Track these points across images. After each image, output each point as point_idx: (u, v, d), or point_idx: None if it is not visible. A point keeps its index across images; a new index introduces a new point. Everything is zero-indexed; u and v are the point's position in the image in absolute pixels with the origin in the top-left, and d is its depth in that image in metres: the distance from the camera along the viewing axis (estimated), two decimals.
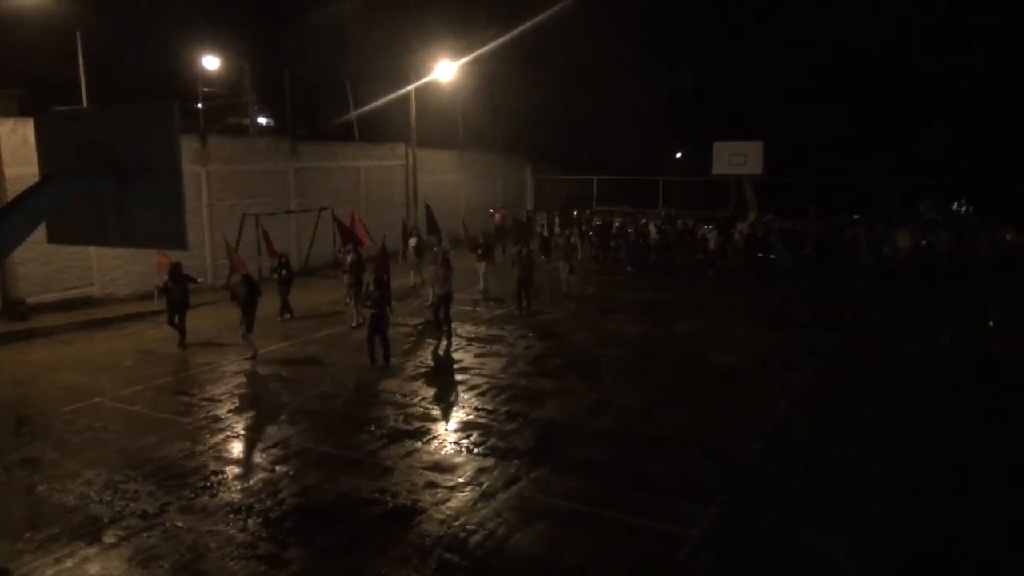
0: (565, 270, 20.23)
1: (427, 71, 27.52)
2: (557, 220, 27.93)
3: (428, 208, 21.54)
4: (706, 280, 22.48)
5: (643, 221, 28.02)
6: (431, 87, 28.16)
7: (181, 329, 14.54)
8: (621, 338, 15.26)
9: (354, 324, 15.64)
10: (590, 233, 27.07)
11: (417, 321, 16.47)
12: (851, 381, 12.55)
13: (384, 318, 13.03)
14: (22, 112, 26.67)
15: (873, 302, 19.27)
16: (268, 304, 15.75)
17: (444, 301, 14.92)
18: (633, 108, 36.30)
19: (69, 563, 6.90)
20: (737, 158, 28.20)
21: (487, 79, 32.32)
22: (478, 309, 17.88)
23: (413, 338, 15.20)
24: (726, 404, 11.22)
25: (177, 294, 14.43)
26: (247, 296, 13.28)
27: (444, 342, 14.74)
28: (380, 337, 13.02)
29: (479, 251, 19.26)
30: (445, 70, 27.56)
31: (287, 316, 16.65)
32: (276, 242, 20.04)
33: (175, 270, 14.47)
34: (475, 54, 29.80)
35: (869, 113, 34.40)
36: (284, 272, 16.60)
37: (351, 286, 15.88)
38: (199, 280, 15.50)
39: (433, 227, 20.30)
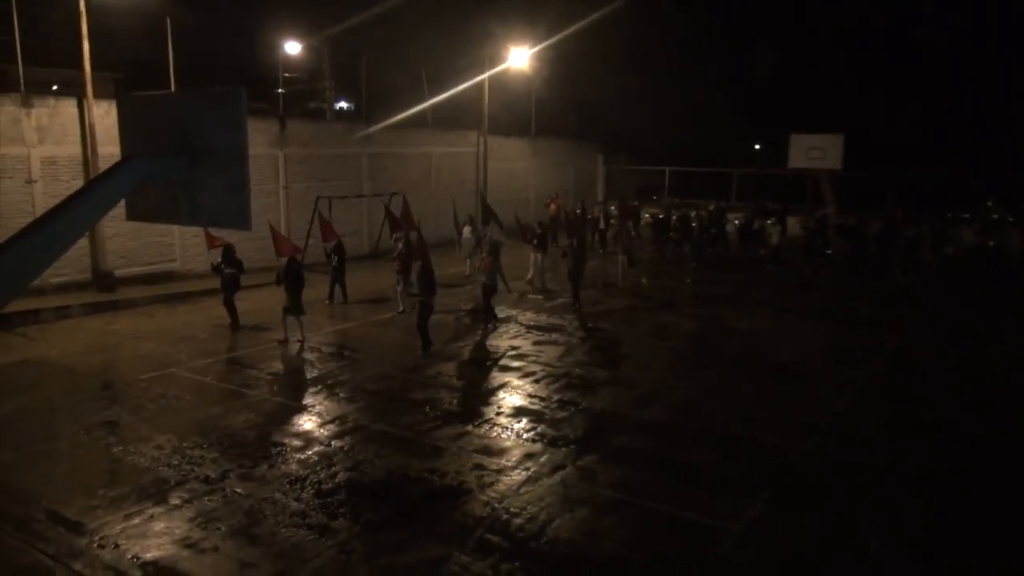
0: (624, 262, 20.04)
1: (501, 58, 27.70)
2: (614, 211, 26.90)
3: (483, 198, 21.20)
4: (767, 275, 21.95)
5: (693, 214, 27.24)
6: (505, 74, 28.32)
7: (231, 310, 14.68)
8: (679, 331, 15.15)
9: (400, 310, 15.82)
10: (643, 223, 26.34)
11: (468, 308, 16.65)
12: (913, 382, 12.17)
13: (427, 306, 13.08)
14: (117, 95, 28.18)
15: (938, 302, 18.47)
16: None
17: (488, 291, 14.94)
18: (709, 97, 35.69)
19: (136, 520, 7.36)
20: (815, 152, 27.38)
21: (561, 66, 32.31)
22: (528, 298, 17.87)
23: (469, 324, 15.42)
24: (780, 401, 11.04)
25: (228, 276, 14.55)
26: (285, 278, 13.34)
27: (490, 329, 14.84)
28: (420, 325, 13.12)
29: (534, 241, 19.14)
30: (519, 57, 27.66)
31: (341, 300, 16.75)
32: (347, 225, 20.64)
33: (228, 252, 14.57)
34: (549, 41, 29.82)
35: (953, 107, 32.85)
36: (336, 257, 16.66)
37: (399, 273, 15.84)
38: (243, 267, 15.16)
39: (488, 217, 20.04)
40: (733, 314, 16.62)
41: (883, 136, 31.54)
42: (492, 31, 28.88)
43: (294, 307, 13.43)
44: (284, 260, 13.73)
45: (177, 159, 6.94)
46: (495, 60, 27.67)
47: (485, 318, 15.02)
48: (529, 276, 18.98)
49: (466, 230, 20.59)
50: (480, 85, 27.28)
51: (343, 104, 36.92)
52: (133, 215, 7.83)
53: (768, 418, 10.29)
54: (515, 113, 31.21)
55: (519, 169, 31.02)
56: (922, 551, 7.09)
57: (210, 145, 6.82)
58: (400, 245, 16.24)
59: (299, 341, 13.60)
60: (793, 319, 16.32)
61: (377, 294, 17.90)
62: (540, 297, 17.99)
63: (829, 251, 22.93)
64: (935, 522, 7.59)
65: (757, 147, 41.70)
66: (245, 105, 6.68)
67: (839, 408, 10.79)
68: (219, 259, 14.67)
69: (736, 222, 26.64)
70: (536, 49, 28.60)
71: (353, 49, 27.19)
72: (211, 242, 14.69)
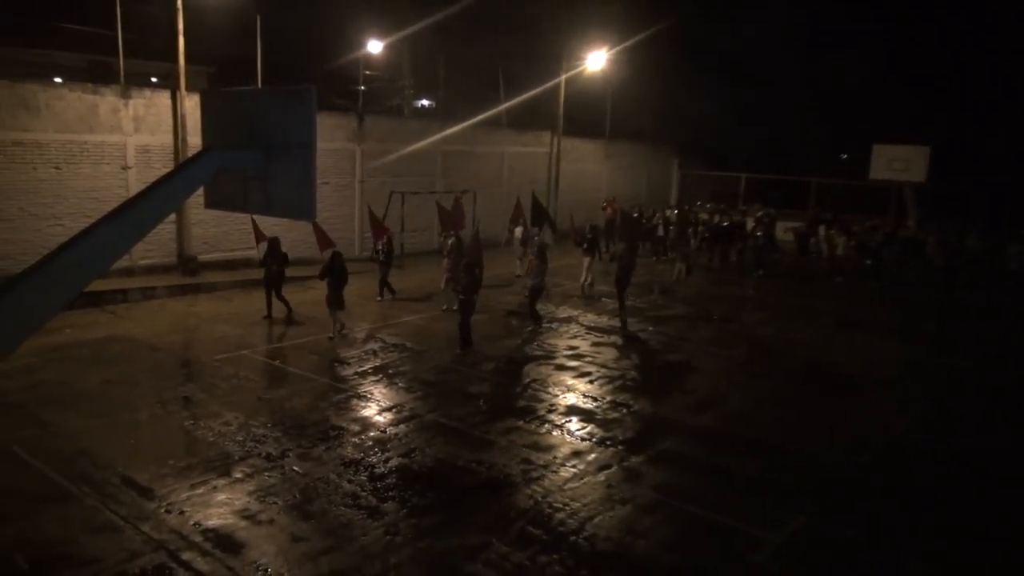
0: (681, 270, 19.78)
1: (578, 59, 27.77)
2: (674, 217, 26.09)
3: (535, 197, 20.26)
4: (833, 286, 21.36)
5: (751, 219, 26.37)
6: (581, 74, 28.37)
7: (268, 303, 14.71)
8: (740, 339, 14.98)
9: (444, 308, 15.91)
10: (706, 234, 25.03)
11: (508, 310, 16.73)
12: (981, 406, 11.73)
13: (470, 304, 13.18)
14: (201, 90, 29.51)
15: (1018, 322, 17.65)
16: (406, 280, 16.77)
17: (534, 293, 14.93)
18: (793, 104, 34.87)
19: (201, 490, 7.85)
20: (898, 163, 26.46)
21: (639, 68, 32.12)
22: (575, 299, 17.79)
23: (521, 323, 15.60)
24: (838, 415, 10.85)
25: (273, 269, 14.57)
26: (328, 273, 13.44)
27: (536, 331, 14.78)
28: (461, 323, 13.24)
29: (584, 245, 18.77)
30: (596, 59, 27.67)
31: (389, 296, 16.87)
32: (419, 221, 21.09)
33: (273, 245, 14.59)
34: (627, 43, 29.72)
35: None
36: (383, 253, 16.67)
37: (449, 271, 15.84)
38: (288, 261, 15.10)
39: (539, 218, 19.39)
40: (795, 325, 16.33)
41: (974, 149, 30.22)
42: (570, 32, 29.02)
43: (335, 301, 13.58)
44: (327, 255, 13.91)
45: (252, 152, 7.38)
46: (572, 61, 27.77)
47: (532, 319, 15.05)
48: (582, 280, 18.76)
49: (517, 230, 20.33)
50: (555, 85, 27.42)
51: (424, 102, 37.64)
52: (211, 204, 8.35)
53: (824, 432, 10.15)
54: (590, 114, 31.22)
55: (591, 171, 31.04)
56: None
57: (282, 140, 7.23)
58: (450, 243, 16.29)
59: (332, 337, 13.63)
60: (860, 333, 15.91)
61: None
62: (581, 303, 17.97)
63: (868, 261, 22.20)
64: (982, 553, 7.38)
65: (844, 156, 40.43)
66: (315, 103, 7.06)
67: (898, 427, 10.54)
68: (264, 253, 14.71)
69: (790, 230, 25.94)
70: (614, 51, 28.55)
71: (432, 48, 27.73)
72: (259, 236, 14.96)
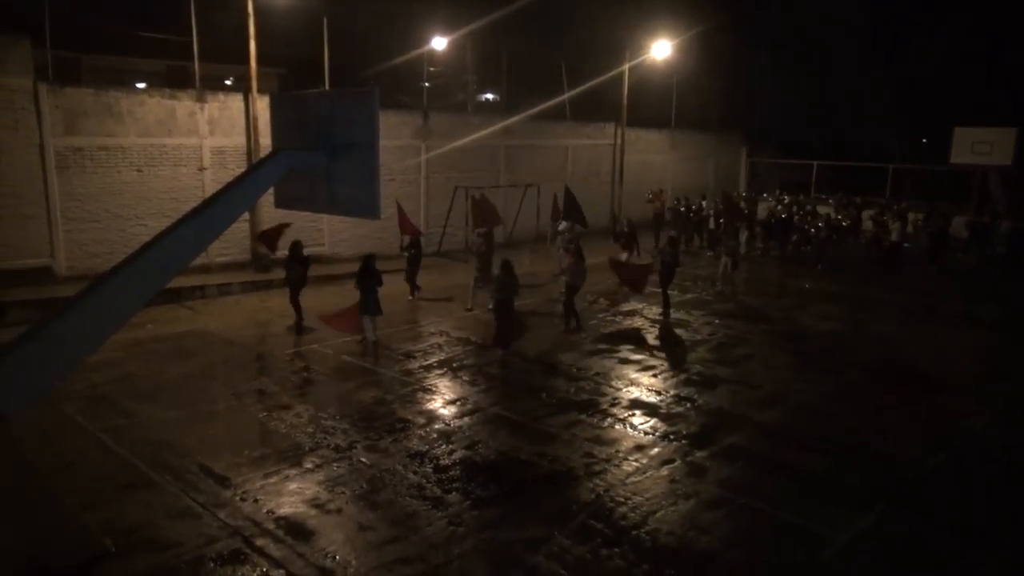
0: (727, 264, 19.17)
1: (642, 49, 27.48)
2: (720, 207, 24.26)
3: (568, 192, 19.02)
4: (902, 277, 20.57)
5: (808, 207, 25.46)
6: (645, 63, 28.07)
7: (296, 308, 13.99)
8: (811, 333, 14.63)
9: (468, 308, 15.63)
10: (757, 227, 23.99)
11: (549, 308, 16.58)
12: None
13: (508, 303, 12.73)
14: (281, 89, 30.38)
15: None
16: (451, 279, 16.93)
17: (571, 291, 14.29)
18: (869, 88, 33.76)
19: (274, 479, 8.16)
20: (982, 146, 25.28)
21: (704, 56, 31.59)
22: (600, 301, 17.04)
23: (589, 317, 15.58)
24: (912, 411, 10.50)
25: (294, 272, 13.97)
26: (361, 277, 12.86)
27: (578, 331, 14.17)
28: (502, 322, 12.81)
29: (621, 240, 18.24)
30: (661, 49, 27.32)
31: (415, 294, 16.52)
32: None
33: (294, 248, 14.04)
34: (693, 31, 29.25)
35: None
36: (413, 251, 16.41)
37: (479, 270, 15.45)
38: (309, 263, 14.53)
39: (573, 213, 18.45)
40: (871, 317, 15.83)
41: None
42: (633, 21, 28.73)
43: (369, 306, 12.84)
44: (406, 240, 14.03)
45: (318, 153, 7.63)
46: (635, 51, 27.49)
47: (573, 321, 14.35)
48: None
49: (560, 226, 19.24)
50: (618, 75, 27.21)
51: (488, 95, 37.85)
52: (280, 203, 8.66)
53: (896, 428, 9.86)
54: (654, 104, 30.88)
55: (657, 162, 30.71)
56: None
57: (347, 140, 7.45)
58: (482, 240, 15.89)
59: (365, 341, 13.08)
60: (935, 326, 15.34)
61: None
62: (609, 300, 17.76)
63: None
64: None
65: (924, 141, 38.88)
66: (377, 103, 7.25)
67: (978, 423, 10.14)
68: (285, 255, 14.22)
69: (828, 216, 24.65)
70: (679, 39, 28.13)
71: (495, 43, 27.88)
72: (270, 243, 14.96)
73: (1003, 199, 26.84)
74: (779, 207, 25.40)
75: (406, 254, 16.60)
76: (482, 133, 23.37)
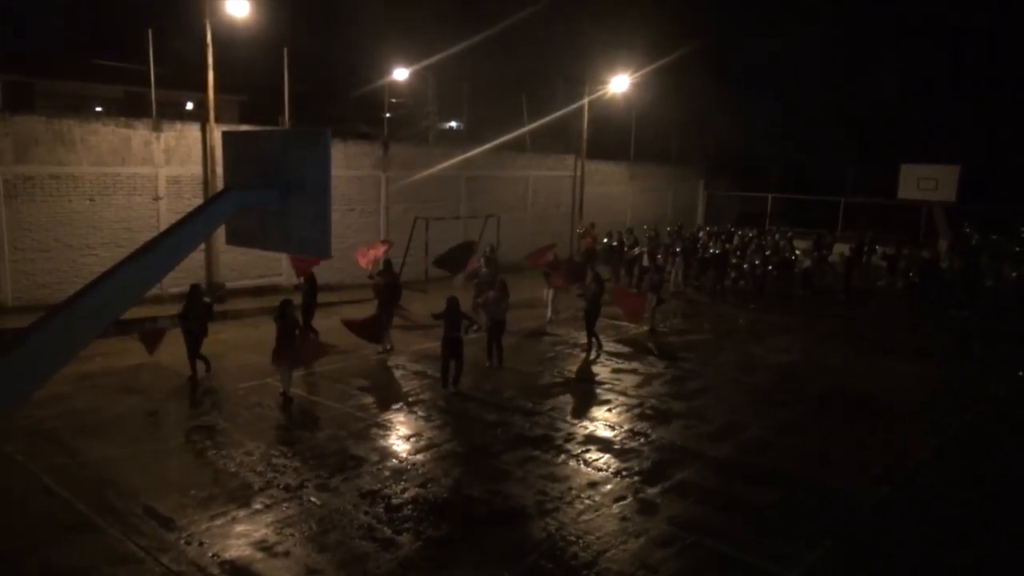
0: (651, 301, 17.68)
1: (602, 82, 27.96)
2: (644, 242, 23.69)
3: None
4: (843, 308, 21.08)
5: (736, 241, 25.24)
6: (605, 97, 28.55)
7: (193, 361, 12.82)
8: (765, 365, 14.88)
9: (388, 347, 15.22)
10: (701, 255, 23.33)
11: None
12: (1013, 433, 11.50)
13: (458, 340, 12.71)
14: (242, 117, 30.25)
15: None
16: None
17: (493, 328, 14.02)
18: (822, 123, 34.70)
19: (220, 521, 8.00)
20: (927, 182, 26.19)
21: (663, 90, 32.22)
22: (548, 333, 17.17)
23: (545, 350, 15.66)
24: (860, 444, 10.72)
25: (195, 321, 12.75)
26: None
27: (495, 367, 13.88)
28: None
29: (548, 275, 18.03)
30: (619, 83, 27.83)
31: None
32: (444, 245, 21.25)
33: (193, 292, 12.93)
34: (651, 67, 29.86)
35: None
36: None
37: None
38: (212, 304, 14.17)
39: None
40: (825, 351, 16.17)
41: (1008, 168, 29.76)
42: (593, 55, 29.24)
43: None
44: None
45: (270, 190, 7.59)
46: (595, 84, 27.96)
47: (495, 357, 14.01)
48: (549, 313, 18.08)
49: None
50: (579, 108, 27.62)
51: (452, 124, 38.08)
52: (231, 239, 8.55)
53: (845, 462, 10.04)
54: (614, 136, 31.35)
55: (616, 193, 31.12)
56: None
57: (299, 178, 7.42)
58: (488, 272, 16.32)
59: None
60: (886, 358, 15.72)
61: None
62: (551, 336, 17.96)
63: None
64: None
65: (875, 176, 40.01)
66: (329, 144, 7.25)
67: (924, 456, 10.38)
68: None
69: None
70: (637, 74, 28.70)
71: (457, 74, 28.16)
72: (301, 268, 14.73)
73: (947, 232, 27.71)
74: (711, 241, 24.48)
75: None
76: (444, 165, 23.49)
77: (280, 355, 11.91)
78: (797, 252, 23.45)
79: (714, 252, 22.96)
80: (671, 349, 15.89)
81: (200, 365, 13.00)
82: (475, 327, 14.42)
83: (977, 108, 32.14)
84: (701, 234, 26.38)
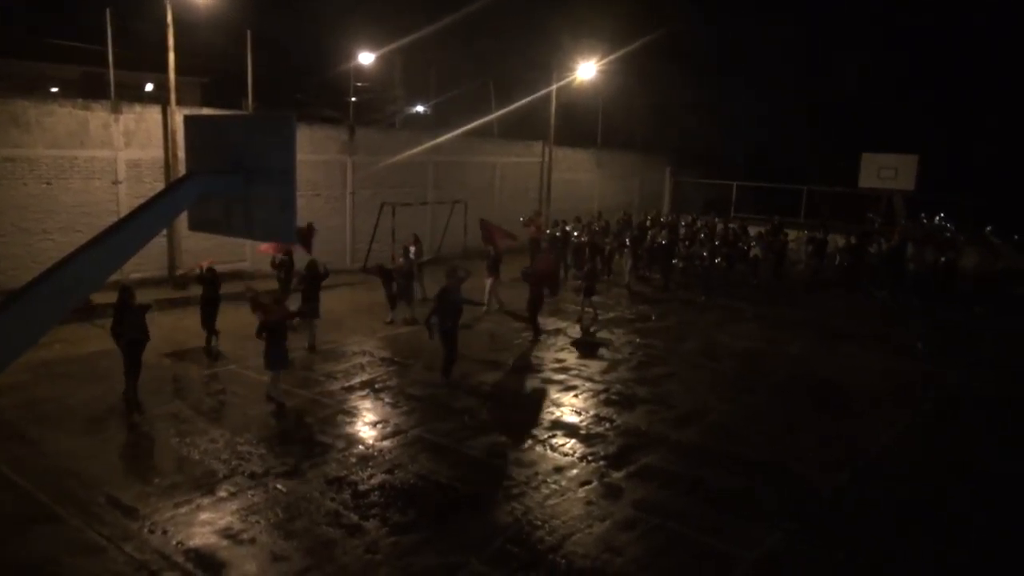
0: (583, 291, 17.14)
1: (569, 68, 27.95)
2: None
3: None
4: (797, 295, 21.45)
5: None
6: (573, 84, 28.56)
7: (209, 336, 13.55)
8: (733, 352, 15.12)
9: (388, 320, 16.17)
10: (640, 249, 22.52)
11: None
12: (969, 420, 11.86)
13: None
14: (204, 100, 29.69)
15: (1005, 335, 17.75)
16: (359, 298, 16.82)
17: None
18: (788, 110, 35.13)
19: (184, 509, 7.95)
20: (887, 172, 26.69)
21: (630, 77, 32.34)
22: (564, 312, 17.60)
23: (513, 336, 15.73)
24: (822, 431, 10.96)
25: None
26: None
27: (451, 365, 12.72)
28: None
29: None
30: (587, 70, 27.86)
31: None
32: (410, 231, 21.17)
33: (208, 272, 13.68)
34: (618, 53, 29.93)
35: None
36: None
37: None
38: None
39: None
40: (787, 338, 16.46)
41: (966, 159, 30.47)
42: (561, 41, 29.23)
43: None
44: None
45: (234, 177, 7.50)
46: (563, 71, 27.95)
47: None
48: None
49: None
50: (546, 94, 27.61)
51: (419, 108, 37.78)
52: (194, 226, 8.44)
53: (806, 448, 10.24)
54: (582, 123, 31.41)
55: (583, 180, 31.20)
56: None
57: (263, 165, 7.34)
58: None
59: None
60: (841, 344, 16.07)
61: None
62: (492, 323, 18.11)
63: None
64: (958, 571, 7.51)
65: (841, 164, 40.64)
66: (294, 130, 7.18)
67: (883, 442, 10.65)
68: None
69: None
70: (605, 60, 28.75)
71: (424, 58, 27.95)
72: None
73: (904, 220, 28.28)
74: (660, 231, 23.69)
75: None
76: (411, 152, 23.34)
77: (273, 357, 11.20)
78: (752, 242, 23.56)
79: (661, 243, 22.29)
80: (624, 340, 16.06)
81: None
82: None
83: (938, 98, 32.80)
84: (649, 222, 26.03)
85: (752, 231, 25.34)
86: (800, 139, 35.00)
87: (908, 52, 33.65)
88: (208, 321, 13.74)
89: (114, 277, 14.75)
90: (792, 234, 25.28)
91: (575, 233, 22.44)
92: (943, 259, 20.92)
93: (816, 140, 35.04)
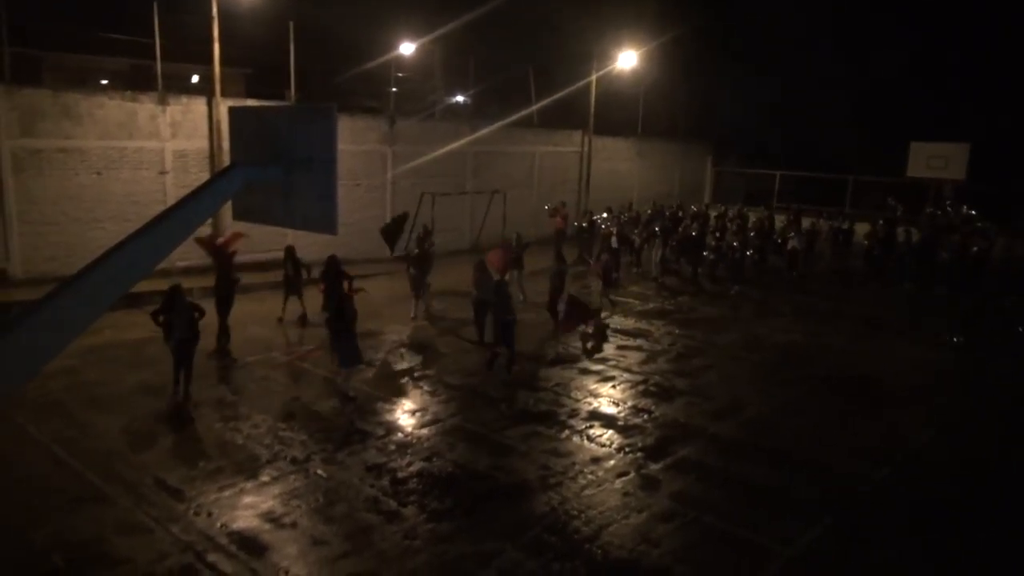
0: (597, 286, 15.85)
1: (610, 57, 27.72)
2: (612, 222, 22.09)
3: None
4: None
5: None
6: (613, 71, 28.33)
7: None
8: (772, 344, 14.91)
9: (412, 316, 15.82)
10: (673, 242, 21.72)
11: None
12: (1011, 414, 11.54)
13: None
14: (248, 91, 30.11)
15: None
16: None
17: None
18: (832, 99, 34.38)
19: (228, 492, 8.13)
20: (937, 161, 25.97)
21: (672, 65, 31.95)
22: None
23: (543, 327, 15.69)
24: (863, 425, 10.77)
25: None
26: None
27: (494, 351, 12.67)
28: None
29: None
30: (627, 58, 27.61)
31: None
32: (449, 221, 21.18)
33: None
34: (660, 40, 29.60)
35: None
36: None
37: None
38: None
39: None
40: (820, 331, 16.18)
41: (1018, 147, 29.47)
42: (602, 30, 28.97)
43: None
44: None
45: (276, 167, 7.62)
46: (604, 59, 27.73)
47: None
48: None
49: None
50: (587, 84, 27.44)
51: (459, 98, 37.80)
52: (238, 215, 8.60)
53: (846, 442, 10.10)
54: (622, 112, 31.14)
55: (623, 170, 30.97)
56: None
57: (306, 155, 7.44)
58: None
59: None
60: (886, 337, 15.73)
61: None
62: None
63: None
64: (998, 569, 7.34)
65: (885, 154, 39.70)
66: (336, 121, 7.27)
67: (925, 437, 10.44)
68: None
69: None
70: (646, 48, 28.45)
71: (464, 48, 27.91)
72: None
73: (955, 213, 27.50)
74: (692, 223, 23.04)
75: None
76: (451, 146, 23.41)
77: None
78: (791, 234, 22.92)
79: (692, 234, 21.48)
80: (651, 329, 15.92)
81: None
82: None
83: (988, 87, 31.78)
84: (681, 214, 25.50)
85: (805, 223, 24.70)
86: (846, 129, 34.26)
87: (957, 37, 32.61)
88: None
89: (160, 265, 15.05)
90: (826, 225, 24.61)
91: (604, 225, 21.92)
92: (975, 249, 20.30)
93: (862, 129, 34.29)
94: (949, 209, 24.85)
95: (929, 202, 26.10)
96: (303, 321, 15.01)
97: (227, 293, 13.46)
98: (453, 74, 31.51)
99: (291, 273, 14.95)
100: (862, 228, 23.66)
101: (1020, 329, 14.43)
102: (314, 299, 14.87)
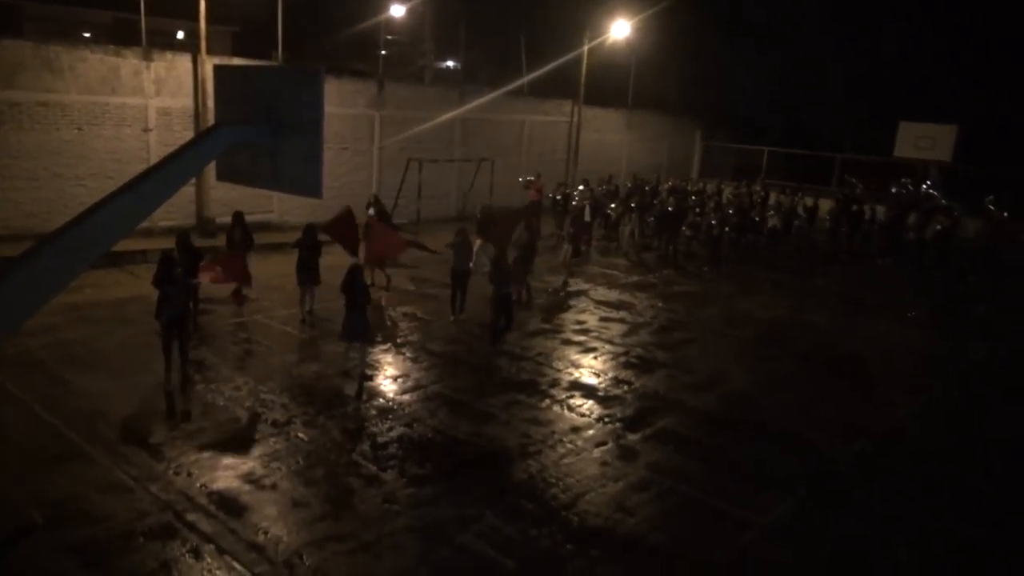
0: (567, 252, 16.95)
1: (603, 26, 27.45)
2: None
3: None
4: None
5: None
6: (605, 43, 28.07)
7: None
8: (754, 319, 15.04)
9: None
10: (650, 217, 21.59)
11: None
12: (990, 398, 11.76)
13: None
14: (234, 49, 29.62)
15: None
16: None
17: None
18: (824, 77, 34.33)
19: (208, 453, 8.16)
20: (924, 141, 26.09)
21: (664, 37, 31.71)
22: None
23: (537, 298, 15.76)
24: (840, 402, 10.94)
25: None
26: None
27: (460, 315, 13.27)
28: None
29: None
30: (620, 29, 27.35)
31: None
32: (437, 187, 21.01)
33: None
34: (653, 9, 29.32)
35: None
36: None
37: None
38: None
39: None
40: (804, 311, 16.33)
41: (1006, 130, 29.61)
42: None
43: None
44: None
45: (262, 128, 7.54)
46: (595, 29, 27.46)
47: (452, 306, 13.55)
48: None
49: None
50: (578, 53, 27.18)
51: (449, 63, 37.39)
52: (221, 175, 8.53)
53: (824, 418, 10.26)
54: (613, 82, 30.90)
55: (612, 141, 30.85)
56: (951, 571, 7.08)
57: (291, 117, 7.37)
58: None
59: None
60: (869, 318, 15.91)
61: None
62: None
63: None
64: (970, 542, 7.52)
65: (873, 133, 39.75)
66: (323, 84, 7.20)
67: (901, 415, 10.62)
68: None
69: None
70: (638, 19, 28.19)
71: (454, 12, 27.57)
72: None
73: (941, 193, 27.68)
74: (669, 197, 22.30)
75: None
76: (441, 114, 23.18)
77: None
78: (770, 211, 22.99)
79: (668, 210, 20.80)
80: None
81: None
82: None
83: (977, 69, 31.82)
84: (662, 188, 25.25)
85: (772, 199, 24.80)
86: (836, 107, 34.26)
87: (948, 19, 32.55)
88: None
89: (143, 224, 14.84)
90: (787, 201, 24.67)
91: (575, 199, 21.45)
92: (938, 228, 20.77)
93: (852, 108, 34.29)
94: (910, 188, 25.18)
95: (893, 181, 26.27)
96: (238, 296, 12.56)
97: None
98: (443, 38, 31.12)
99: (237, 239, 13.83)
100: (825, 205, 24.39)
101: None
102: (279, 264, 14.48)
